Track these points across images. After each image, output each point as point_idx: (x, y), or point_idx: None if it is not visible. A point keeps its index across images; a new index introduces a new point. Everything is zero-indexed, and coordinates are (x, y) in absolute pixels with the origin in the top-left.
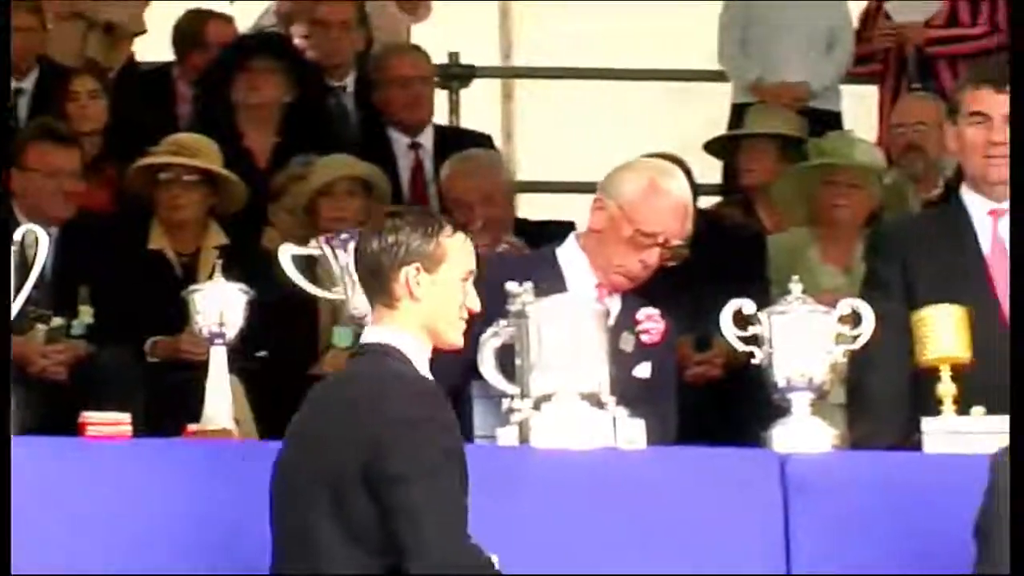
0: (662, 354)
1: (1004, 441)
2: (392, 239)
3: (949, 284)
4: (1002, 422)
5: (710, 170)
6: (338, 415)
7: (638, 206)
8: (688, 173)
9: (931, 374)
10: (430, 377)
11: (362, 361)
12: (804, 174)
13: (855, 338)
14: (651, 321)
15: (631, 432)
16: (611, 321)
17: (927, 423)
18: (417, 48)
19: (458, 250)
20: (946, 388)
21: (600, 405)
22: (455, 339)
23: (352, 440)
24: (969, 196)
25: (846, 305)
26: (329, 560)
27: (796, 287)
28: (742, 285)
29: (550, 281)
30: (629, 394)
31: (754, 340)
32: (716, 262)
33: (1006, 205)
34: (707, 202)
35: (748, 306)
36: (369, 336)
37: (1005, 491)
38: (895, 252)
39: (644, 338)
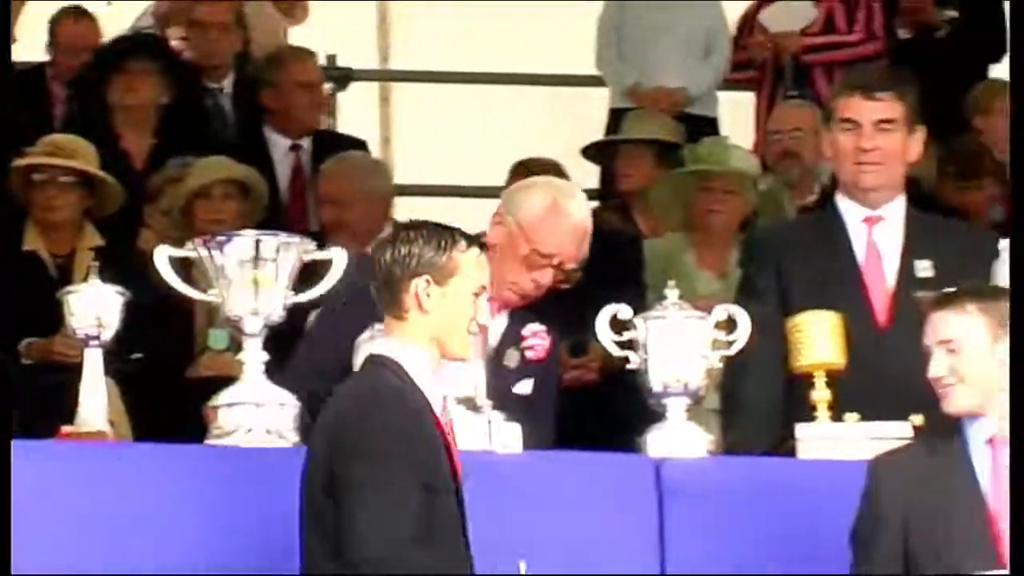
0: (545, 370)
1: (878, 447)
2: (405, 250)
3: (823, 290)
4: (875, 428)
5: (587, 175)
6: (320, 429)
7: (537, 226)
8: (564, 177)
9: (805, 380)
10: (428, 390)
11: (358, 375)
12: (680, 180)
13: (730, 344)
14: (537, 337)
15: (507, 436)
16: (497, 337)
17: (801, 429)
18: (311, 52)
19: (471, 264)
20: (820, 394)
21: (476, 409)
22: (463, 352)
23: (323, 454)
24: (844, 203)
25: (722, 311)
26: None
27: (672, 292)
28: (619, 290)
29: None
30: (508, 410)
31: (630, 345)
32: (593, 267)
33: (880, 212)
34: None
35: (624, 311)
36: (376, 348)
37: (885, 496)
38: (770, 258)
39: (529, 354)
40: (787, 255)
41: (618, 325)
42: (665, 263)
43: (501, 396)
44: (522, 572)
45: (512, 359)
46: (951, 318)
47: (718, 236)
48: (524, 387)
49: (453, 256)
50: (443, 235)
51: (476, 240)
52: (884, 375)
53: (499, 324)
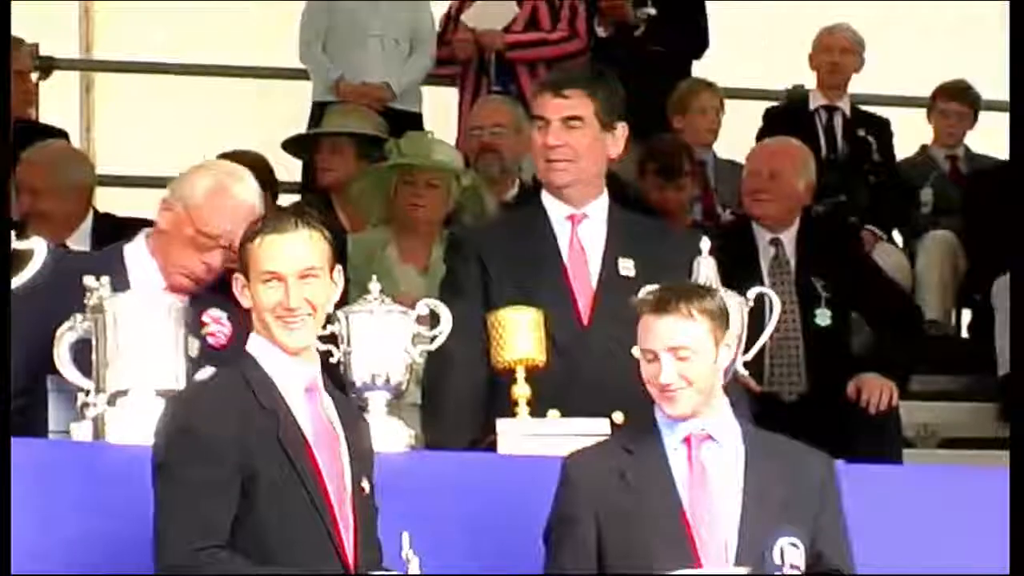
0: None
1: (579, 444)
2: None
3: (527, 287)
4: (576, 424)
5: (293, 169)
6: None
7: (201, 207)
8: (270, 171)
9: (507, 376)
10: (281, 379)
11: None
12: (382, 174)
13: (432, 339)
14: (217, 324)
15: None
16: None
17: (502, 424)
18: (20, 40)
19: (255, 253)
20: (521, 390)
21: None
22: (283, 340)
23: None
24: (548, 200)
25: (424, 306)
26: None
27: (374, 287)
28: None
29: (116, 279)
30: None
31: (332, 339)
32: None
33: (584, 210)
34: (287, 200)
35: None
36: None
37: (577, 494)
38: (474, 254)
39: (210, 340)
40: (491, 251)
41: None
42: (367, 257)
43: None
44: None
45: (193, 347)
46: (677, 325)
47: (421, 231)
48: (206, 375)
49: (248, 248)
50: (249, 228)
51: (266, 228)
52: (585, 372)
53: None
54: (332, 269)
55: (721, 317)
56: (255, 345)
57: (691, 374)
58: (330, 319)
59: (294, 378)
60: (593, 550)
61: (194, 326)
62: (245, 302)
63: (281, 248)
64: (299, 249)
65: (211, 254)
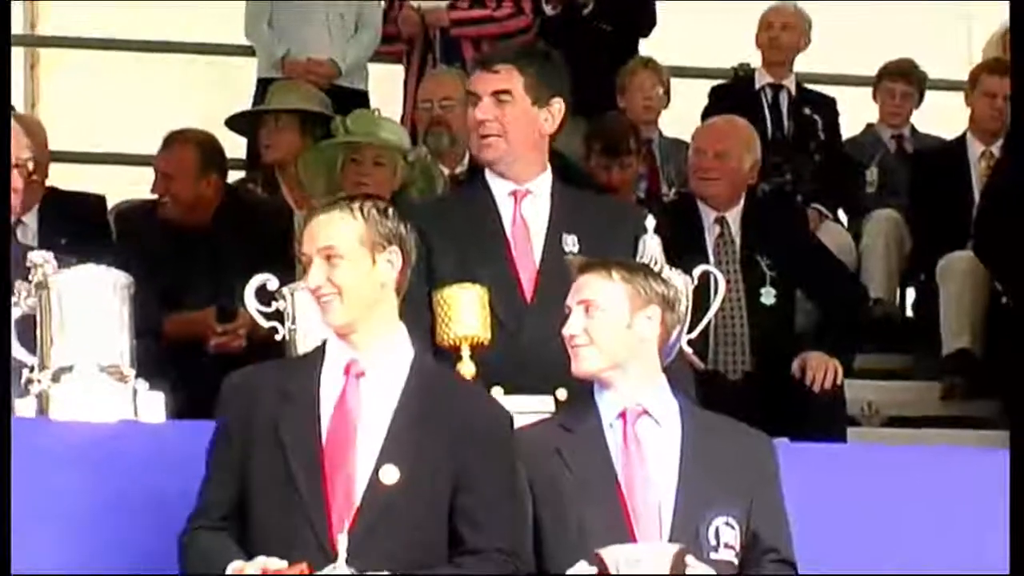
0: None
1: (522, 421)
2: None
3: (471, 264)
4: (520, 402)
5: (238, 145)
6: None
7: None
8: (217, 148)
9: (452, 353)
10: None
11: None
12: (328, 151)
13: None
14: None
15: (151, 405)
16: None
17: None
18: None
19: (301, 231)
20: (467, 368)
21: (121, 378)
22: (323, 319)
23: None
24: (492, 177)
25: None
26: None
27: None
28: (268, 260)
29: None
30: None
31: (278, 316)
32: (240, 236)
33: (528, 186)
34: (233, 177)
35: (272, 282)
36: None
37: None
38: (418, 231)
39: None
40: (435, 229)
41: (266, 296)
42: None
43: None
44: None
45: (252, 298)
46: (594, 281)
47: None
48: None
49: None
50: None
51: (321, 207)
52: (529, 349)
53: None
54: (378, 250)
55: (650, 291)
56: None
57: (595, 331)
58: (275, 295)
59: (338, 359)
60: (530, 527)
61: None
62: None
63: (310, 229)
64: (324, 230)
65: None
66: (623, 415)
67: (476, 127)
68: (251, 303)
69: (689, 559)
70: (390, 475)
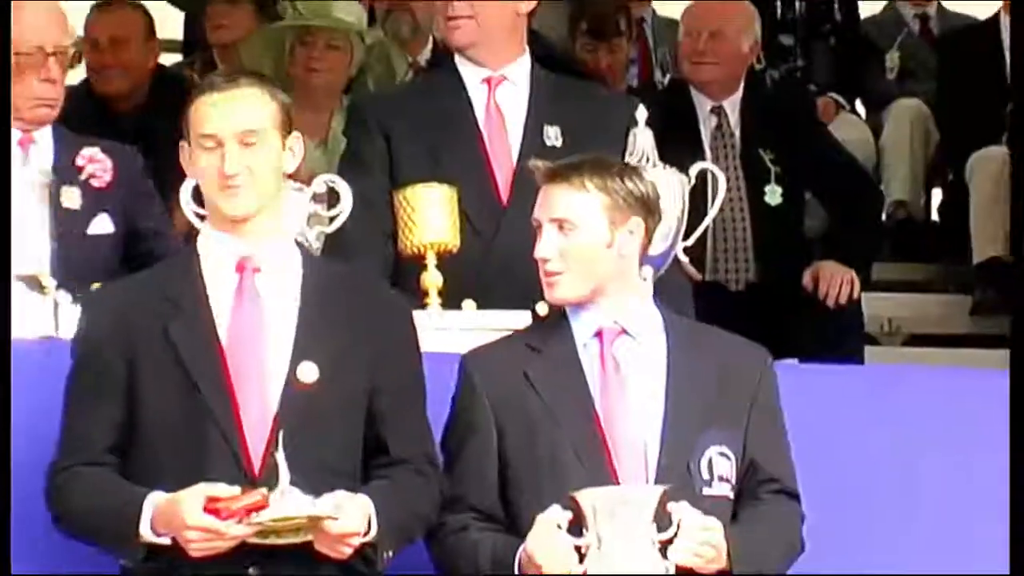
0: (130, 199)
1: (482, 339)
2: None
3: (439, 160)
4: (494, 318)
5: (172, 22)
6: None
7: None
8: (150, 26)
9: (416, 262)
10: (210, 263)
11: None
12: (275, 35)
13: (331, 219)
14: (94, 163)
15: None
16: (42, 176)
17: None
18: None
19: (198, 111)
20: (432, 278)
21: (41, 289)
22: (226, 209)
23: None
24: (462, 63)
25: (321, 182)
26: None
27: None
28: None
29: None
30: (93, 266)
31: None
32: (175, 125)
33: (503, 72)
34: (169, 60)
35: (97, 182)
36: None
37: (475, 396)
38: (379, 124)
39: (93, 183)
40: (398, 121)
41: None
42: None
43: (75, 247)
44: None
45: (73, 198)
46: (566, 194)
47: (319, 99)
48: (102, 225)
49: (194, 104)
50: (203, 81)
51: (203, 87)
52: (505, 257)
53: (39, 158)
54: (285, 135)
55: (630, 198)
56: (201, 227)
57: (572, 254)
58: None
59: (224, 256)
60: (495, 460)
61: (67, 172)
62: (192, 173)
63: (220, 108)
64: (239, 109)
65: (45, 69)
66: (599, 334)
67: (443, 8)
68: (187, 204)
69: (672, 505)
70: (309, 373)
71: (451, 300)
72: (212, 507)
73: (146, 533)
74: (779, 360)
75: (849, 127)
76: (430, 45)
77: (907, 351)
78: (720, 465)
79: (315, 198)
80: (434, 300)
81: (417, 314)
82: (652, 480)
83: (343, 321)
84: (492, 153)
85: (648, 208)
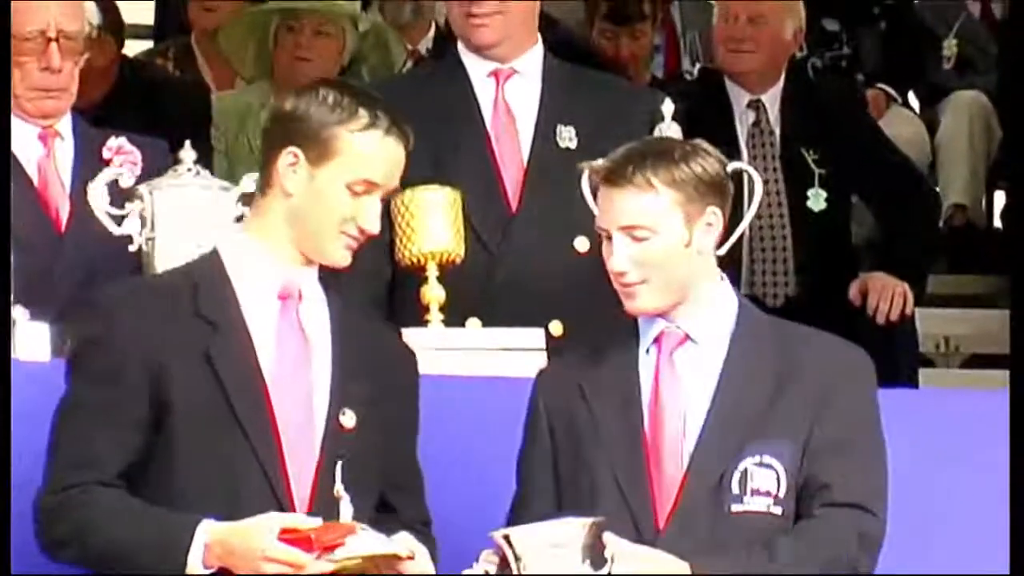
0: None
1: (506, 360)
2: (295, 107)
3: (441, 161)
4: (502, 336)
5: (143, 8)
6: None
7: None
8: (114, 11)
9: (415, 273)
10: (247, 289)
11: None
12: (259, 19)
13: None
14: (122, 154)
15: (32, 339)
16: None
17: (409, 335)
18: None
19: (358, 150)
20: (434, 292)
21: None
22: (333, 259)
23: None
24: (467, 55)
25: (250, 181)
26: None
27: (188, 154)
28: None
29: None
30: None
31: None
32: (139, 122)
33: (512, 65)
34: (138, 47)
35: (125, 177)
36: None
37: (537, 411)
38: None
39: (126, 181)
40: None
41: (123, 194)
42: (239, 121)
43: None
44: None
45: (101, 197)
46: (632, 197)
47: None
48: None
49: (339, 133)
50: (347, 103)
51: (390, 123)
52: (514, 270)
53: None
54: None
55: (702, 186)
56: (226, 237)
57: (649, 263)
58: (131, 195)
59: (263, 280)
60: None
61: (93, 167)
62: (291, 186)
63: (386, 154)
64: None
65: (46, 56)
66: (658, 340)
67: (463, 5)
68: (98, 202)
69: (608, 536)
70: (350, 419)
71: (453, 316)
72: (290, 538)
73: (195, 565)
74: None
75: (901, 122)
76: (432, 32)
77: (966, 373)
78: (758, 477)
79: (243, 199)
80: (435, 316)
81: (417, 332)
82: (684, 493)
83: (369, 371)
84: (500, 154)
85: (722, 190)
